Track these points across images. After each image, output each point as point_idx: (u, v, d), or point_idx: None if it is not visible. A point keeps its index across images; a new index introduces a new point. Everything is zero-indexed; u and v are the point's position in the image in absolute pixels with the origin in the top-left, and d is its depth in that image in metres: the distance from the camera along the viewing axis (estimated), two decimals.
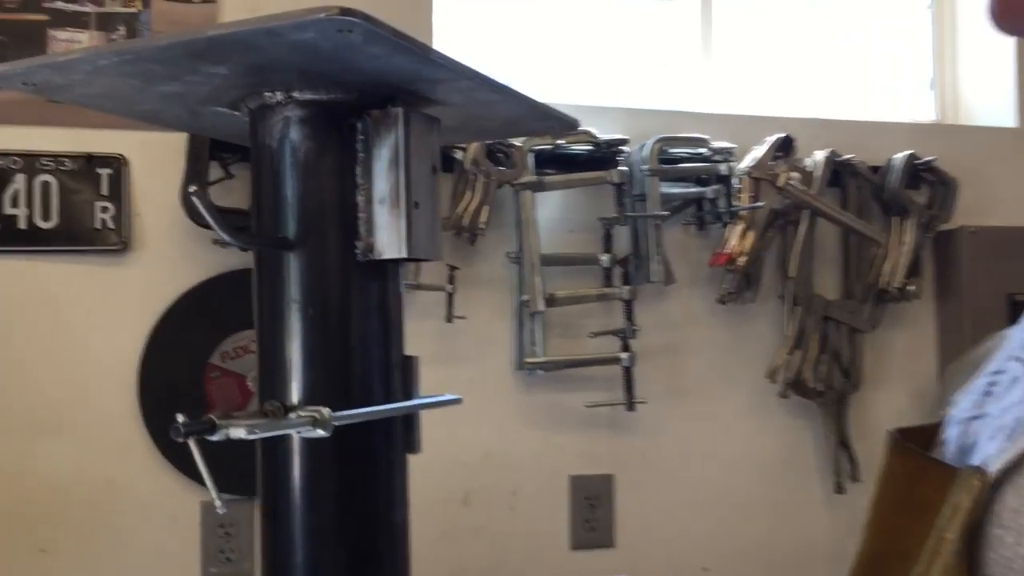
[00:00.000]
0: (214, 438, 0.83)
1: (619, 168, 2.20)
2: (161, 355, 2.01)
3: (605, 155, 2.22)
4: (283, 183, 0.93)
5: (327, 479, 0.95)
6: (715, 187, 2.26)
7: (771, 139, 2.30)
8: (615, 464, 2.28)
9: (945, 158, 2.45)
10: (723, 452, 2.36)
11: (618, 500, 2.28)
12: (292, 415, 0.89)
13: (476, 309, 2.16)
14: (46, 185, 1.96)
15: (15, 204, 1.94)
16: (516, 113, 1.04)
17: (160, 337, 2.01)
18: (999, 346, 0.70)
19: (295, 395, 0.93)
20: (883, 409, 2.45)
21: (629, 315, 2.19)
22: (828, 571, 2.29)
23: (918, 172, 2.43)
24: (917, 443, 0.73)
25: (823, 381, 2.34)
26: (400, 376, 0.99)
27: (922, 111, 2.76)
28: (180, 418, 0.82)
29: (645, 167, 2.20)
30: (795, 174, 2.28)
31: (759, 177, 2.26)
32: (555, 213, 2.25)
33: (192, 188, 0.79)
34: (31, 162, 1.95)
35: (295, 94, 0.91)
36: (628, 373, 2.19)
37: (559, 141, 2.18)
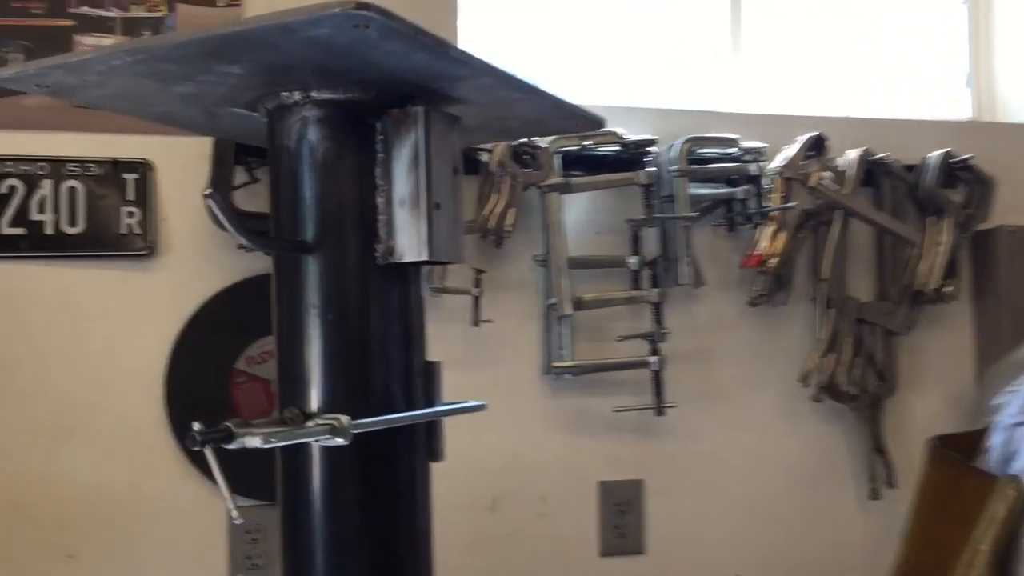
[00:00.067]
0: (231, 446, 0.81)
1: (647, 169, 2.17)
2: (187, 360, 2.00)
3: (633, 156, 2.19)
4: (301, 185, 0.91)
5: (348, 487, 0.94)
6: (745, 188, 2.23)
7: (802, 138, 2.26)
8: (644, 469, 2.25)
9: (982, 156, 2.40)
10: (755, 457, 2.32)
11: (648, 506, 2.25)
12: (310, 423, 0.87)
13: (503, 313, 2.13)
14: (72, 190, 1.96)
15: (42, 210, 1.94)
16: (539, 111, 1.02)
17: (186, 342, 2.01)
18: None
19: (314, 402, 0.91)
20: (919, 413, 2.40)
21: (658, 318, 2.16)
22: None
23: (954, 171, 2.39)
24: (959, 450, 0.70)
25: (857, 385, 2.30)
26: (422, 382, 0.97)
27: (958, 109, 2.71)
28: (196, 426, 0.80)
29: (674, 168, 2.17)
30: (827, 174, 2.25)
31: (790, 177, 2.22)
32: (582, 215, 2.22)
33: (207, 191, 0.77)
34: (57, 168, 1.95)
35: (313, 93, 0.89)
36: (657, 377, 2.16)
37: (586, 142, 2.16)
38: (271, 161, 0.94)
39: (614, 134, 2.16)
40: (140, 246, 1.98)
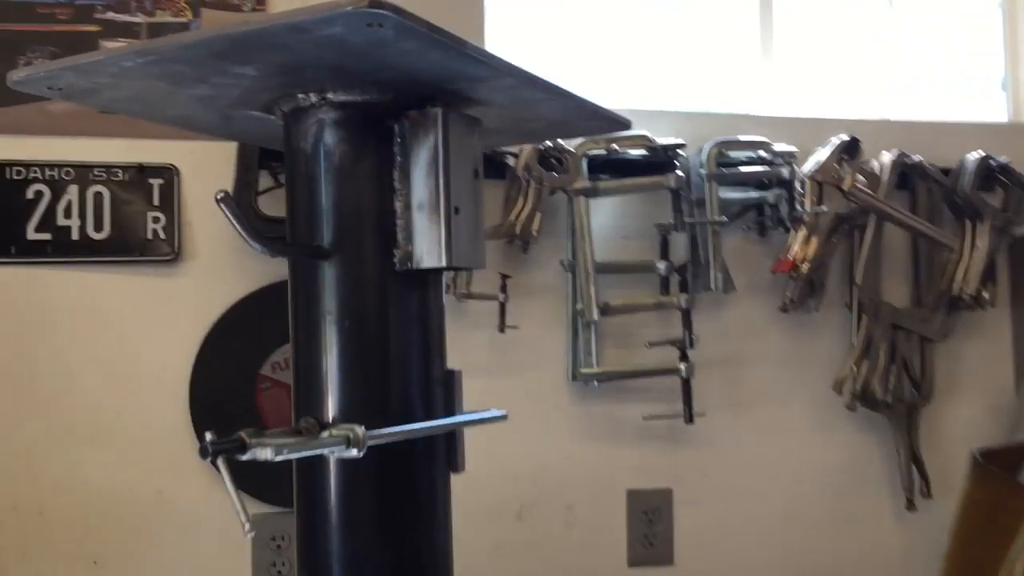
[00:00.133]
0: (244, 458, 0.79)
1: (676, 173, 2.14)
2: (212, 365, 2.00)
3: (661, 160, 2.16)
4: (318, 189, 0.89)
5: (365, 499, 0.91)
6: (776, 191, 2.19)
7: (835, 141, 2.22)
8: (673, 478, 2.22)
9: (1017, 159, 2.35)
10: (786, 466, 2.28)
11: (677, 515, 2.22)
12: (326, 433, 0.84)
13: (529, 319, 2.11)
14: (98, 196, 1.96)
15: (68, 215, 1.94)
16: (563, 113, 0.99)
17: (211, 347, 2.00)
18: None
19: (331, 411, 0.89)
20: (956, 422, 2.35)
21: (687, 324, 2.12)
22: None
23: (992, 174, 2.34)
24: (1001, 464, 0.66)
25: (892, 393, 2.25)
26: (442, 391, 0.95)
27: (994, 111, 2.66)
28: (208, 436, 0.78)
29: (703, 171, 2.14)
30: (861, 177, 2.20)
31: (823, 181, 2.18)
32: (610, 220, 2.19)
33: (218, 194, 0.75)
34: (83, 173, 1.95)
35: (329, 95, 0.87)
36: (686, 384, 2.12)
37: (613, 146, 2.13)
38: (287, 164, 0.92)
39: (643, 137, 2.13)
40: (165, 251, 1.98)
